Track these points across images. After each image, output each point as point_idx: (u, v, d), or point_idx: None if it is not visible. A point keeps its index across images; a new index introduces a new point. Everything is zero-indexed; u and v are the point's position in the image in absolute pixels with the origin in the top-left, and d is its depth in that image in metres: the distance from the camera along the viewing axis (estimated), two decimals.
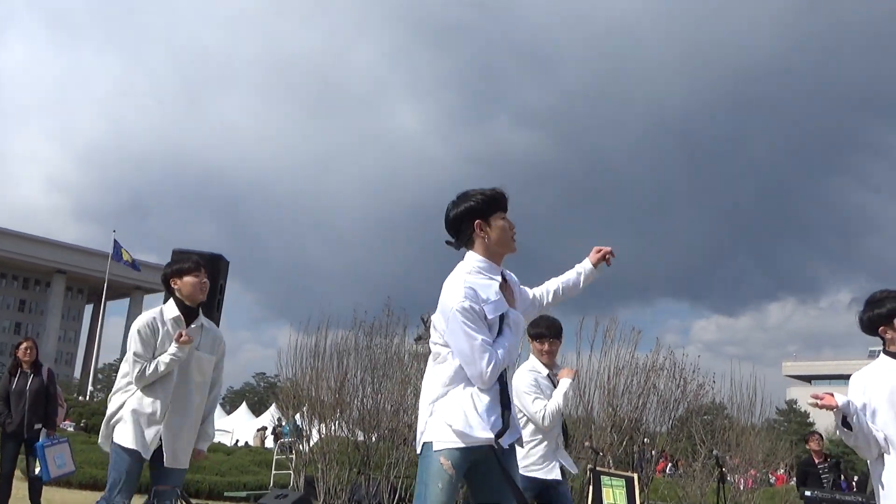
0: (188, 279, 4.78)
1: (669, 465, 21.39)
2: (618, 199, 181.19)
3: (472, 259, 3.47)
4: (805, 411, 65.64)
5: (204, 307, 5.07)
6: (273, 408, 33.70)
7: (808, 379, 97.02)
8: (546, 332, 5.57)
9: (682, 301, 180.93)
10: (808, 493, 9.15)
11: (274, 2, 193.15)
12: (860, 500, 8.29)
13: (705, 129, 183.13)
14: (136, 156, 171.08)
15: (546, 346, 5.59)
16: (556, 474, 5.36)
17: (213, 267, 5.66)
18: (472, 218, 3.44)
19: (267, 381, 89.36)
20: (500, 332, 3.36)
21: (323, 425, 12.32)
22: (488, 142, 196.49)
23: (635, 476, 10.93)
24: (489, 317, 3.32)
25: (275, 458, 13.60)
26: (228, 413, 46.61)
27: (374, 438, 12.15)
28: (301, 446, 12.32)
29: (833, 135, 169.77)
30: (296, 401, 12.73)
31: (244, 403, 49.59)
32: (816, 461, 10.87)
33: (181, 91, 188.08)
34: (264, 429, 35.27)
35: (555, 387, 5.51)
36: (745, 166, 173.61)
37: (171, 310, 4.76)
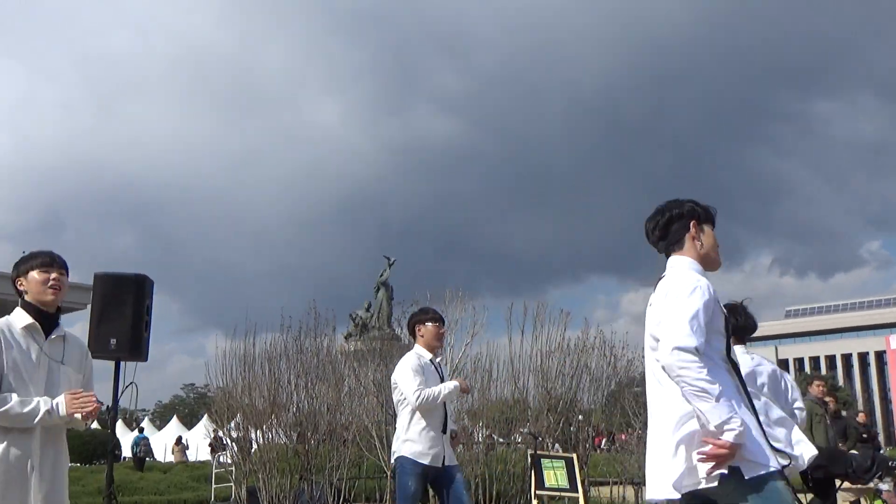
0: (34, 275, 3.85)
1: (605, 440, 21.81)
2: (541, 180, 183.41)
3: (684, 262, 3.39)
4: None
5: (132, 330, 4.92)
6: (205, 419, 33.05)
7: None
8: (439, 317, 5.82)
9: (610, 276, 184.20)
10: None
11: (184, 2, 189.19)
12: None
13: (623, 106, 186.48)
14: (45, 169, 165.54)
15: (442, 330, 5.85)
16: (439, 461, 5.44)
17: (139, 289, 5.56)
18: (689, 219, 3.36)
19: (197, 391, 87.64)
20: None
21: (260, 433, 12.17)
22: (409, 130, 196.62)
23: (574, 456, 11.13)
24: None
25: (213, 471, 13.36)
26: (160, 429, 45.62)
27: (313, 442, 12.07)
28: (240, 457, 12.15)
29: (745, 104, 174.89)
30: (229, 411, 12.55)
31: (174, 417, 48.60)
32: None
33: (90, 99, 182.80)
34: (181, 441, 34.20)
35: (439, 374, 5.66)
36: (664, 140, 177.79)
37: (20, 318, 3.79)
